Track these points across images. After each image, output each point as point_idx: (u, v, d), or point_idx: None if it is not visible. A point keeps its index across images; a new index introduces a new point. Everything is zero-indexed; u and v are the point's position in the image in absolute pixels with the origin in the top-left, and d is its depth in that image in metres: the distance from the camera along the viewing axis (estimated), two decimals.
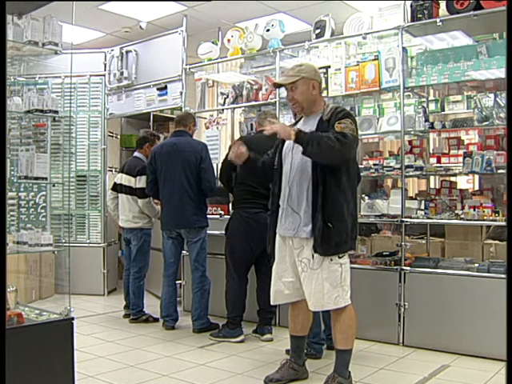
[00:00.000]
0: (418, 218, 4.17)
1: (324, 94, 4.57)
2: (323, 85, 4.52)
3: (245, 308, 4.22)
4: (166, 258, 4.60)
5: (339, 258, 2.99)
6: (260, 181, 3.97)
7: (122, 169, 5.18)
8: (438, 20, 4.01)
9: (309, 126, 3.08)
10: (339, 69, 4.60)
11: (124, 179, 4.96)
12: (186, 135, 4.61)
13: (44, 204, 5.65)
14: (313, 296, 3.01)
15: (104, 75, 6.34)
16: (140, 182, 4.83)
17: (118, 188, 5.09)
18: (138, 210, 4.90)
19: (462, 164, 4.12)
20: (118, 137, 6.90)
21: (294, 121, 3.43)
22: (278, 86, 3.24)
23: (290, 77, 3.10)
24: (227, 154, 4.32)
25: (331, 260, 2.97)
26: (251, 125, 5.34)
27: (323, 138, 2.87)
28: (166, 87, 5.85)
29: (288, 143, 3.16)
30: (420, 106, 4.42)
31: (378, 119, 4.55)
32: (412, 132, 4.42)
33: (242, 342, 4.15)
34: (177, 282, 4.71)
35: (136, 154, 5.11)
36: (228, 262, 4.25)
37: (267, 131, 3.00)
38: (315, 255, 2.96)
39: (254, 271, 4.32)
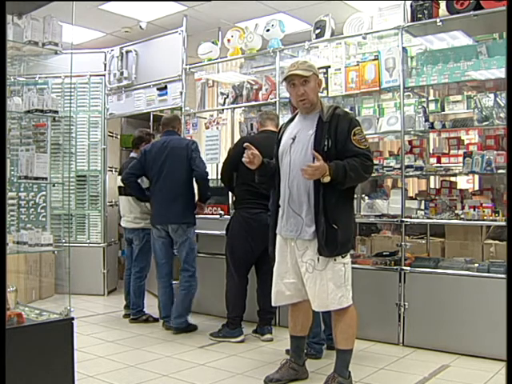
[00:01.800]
0: (418, 218, 4.17)
1: (324, 93, 4.58)
2: (323, 85, 4.54)
3: (245, 308, 4.22)
4: (157, 259, 4.57)
5: (342, 257, 2.99)
6: None
7: (120, 171, 5.18)
8: (438, 20, 4.01)
9: (307, 125, 3.07)
10: (339, 69, 4.59)
11: None
12: (175, 134, 4.66)
13: (44, 204, 5.64)
14: (317, 297, 3.01)
15: (104, 75, 6.34)
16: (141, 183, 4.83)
17: (118, 190, 5.10)
18: (139, 211, 4.90)
19: (462, 164, 4.12)
20: (118, 137, 6.90)
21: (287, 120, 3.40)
22: (291, 78, 3.10)
23: (305, 70, 3.05)
24: (228, 154, 4.34)
25: (335, 260, 2.97)
26: (251, 125, 5.34)
27: (352, 173, 2.90)
28: (166, 87, 5.85)
29: (284, 143, 3.15)
30: (420, 106, 4.42)
31: (378, 119, 4.55)
32: (412, 132, 4.42)
33: (242, 342, 4.15)
34: (174, 282, 4.70)
35: (132, 154, 5.11)
36: (228, 262, 4.25)
37: (306, 173, 2.88)
38: (320, 258, 2.96)
39: (254, 271, 4.32)
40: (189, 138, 4.90)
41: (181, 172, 4.43)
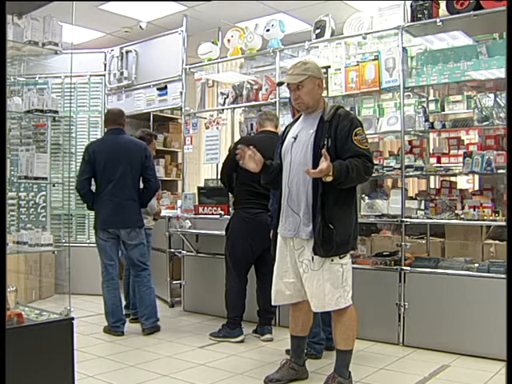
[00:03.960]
0: (418, 218, 4.17)
1: (324, 94, 4.58)
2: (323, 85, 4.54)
3: (245, 308, 4.21)
4: (106, 260, 4.36)
5: (340, 258, 2.97)
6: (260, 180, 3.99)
7: None
8: (437, 20, 4.01)
9: (308, 125, 3.08)
10: (339, 69, 4.59)
11: None
12: (124, 133, 4.53)
13: (44, 204, 5.65)
14: (314, 297, 3.01)
15: (104, 75, 6.35)
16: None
17: None
18: None
19: (462, 164, 4.12)
20: None
21: (292, 120, 3.42)
22: (281, 84, 3.17)
23: (297, 76, 3.04)
24: (228, 155, 4.33)
25: (332, 261, 2.96)
26: (251, 125, 5.34)
27: (353, 174, 2.87)
28: (166, 87, 5.86)
29: (286, 143, 3.16)
30: (420, 106, 4.42)
31: (378, 119, 4.55)
32: (412, 132, 4.42)
33: (241, 342, 4.14)
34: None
35: None
36: (228, 262, 4.24)
37: (309, 172, 2.85)
38: (315, 257, 2.95)
39: (253, 271, 4.32)
40: (137, 139, 4.72)
41: (134, 175, 4.38)
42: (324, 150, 2.86)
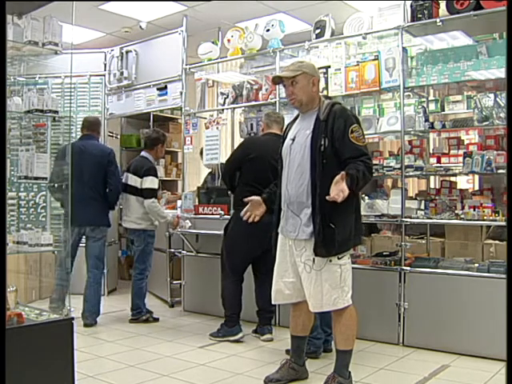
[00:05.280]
0: (418, 218, 4.17)
1: (324, 93, 4.58)
2: (323, 85, 4.54)
3: (241, 305, 4.20)
4: (73, 257, 4.54)
5: (338, 259, 2.97)
6: (263, 182, 3.98)
7: (128, 168, 5.10)
8: (437, 20, 4.01)
9: (305, 124, 3.08)
10: (339, 69, 4.59)
11: (130, 179, 4.89)
12: (94, 139, 4.85)
13: (44, 204, 5.63)
14: (312, 297, 3.01)
15: (104, 75, 6.35)
16: (146, 183, 4.79)
17: (123, 187, 5.04)
18: (142, 212, 4.84)
19: (462, 164, 4.12)
20: (118, 137, 6.90)
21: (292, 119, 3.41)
22: (277, 80, 3.19)
23: (292, 71, 3.08)
24: (232, 154, 4.34)
25: (330, 261, 2.95)
26: (251, 125, 5.34)
27: (361, 181, 2.87)
28: (166, 87, 5.86)
29: (285, 145, 3.17)
30: (420, 106, 4.42)
31: (378, 119, 4.55)
32: (412, 132, 4.42)
33: (241, 338, 4.14)
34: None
35: (143, 153, 5.00)
36: (224, 261, 4.23)
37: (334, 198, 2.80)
38: (316, 258, 2.95)
39: (252, 272, 4.31)
40: (106, 145, 5.02)
41: (99, 178, 4.68)
42: (343, 173, 2.80)
